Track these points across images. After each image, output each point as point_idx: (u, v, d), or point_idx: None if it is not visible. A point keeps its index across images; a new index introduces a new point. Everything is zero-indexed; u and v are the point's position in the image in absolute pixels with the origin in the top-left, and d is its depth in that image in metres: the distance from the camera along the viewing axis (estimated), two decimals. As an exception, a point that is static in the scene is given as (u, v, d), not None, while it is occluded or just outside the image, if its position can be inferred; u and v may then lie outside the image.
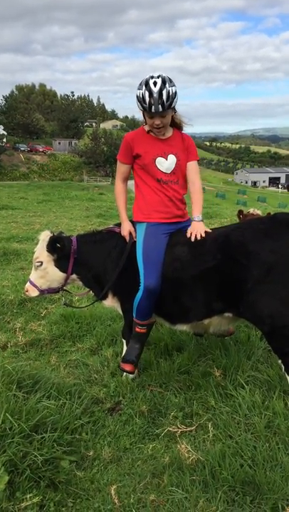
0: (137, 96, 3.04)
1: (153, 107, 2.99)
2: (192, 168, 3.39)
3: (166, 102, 3.00)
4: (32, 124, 79.48)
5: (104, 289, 3.49)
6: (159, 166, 3.23)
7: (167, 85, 2.99)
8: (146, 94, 2.97)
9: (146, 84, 2.98)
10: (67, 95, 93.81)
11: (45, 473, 2.35)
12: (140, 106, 3.05)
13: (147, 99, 2.98)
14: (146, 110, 3.05)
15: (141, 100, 3.01)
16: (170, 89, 2.99)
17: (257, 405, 2.86)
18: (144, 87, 2.99)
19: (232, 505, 2.21)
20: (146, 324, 3.36)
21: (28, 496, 2.22)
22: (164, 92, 2.97)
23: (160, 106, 2.99)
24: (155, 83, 2.97)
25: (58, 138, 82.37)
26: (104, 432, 2.87)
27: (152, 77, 2.99)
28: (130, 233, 3.38)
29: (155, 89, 2.96)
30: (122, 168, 3.42)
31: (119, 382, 3.36)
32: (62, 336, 4.50)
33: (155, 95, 2.96)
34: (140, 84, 3.03)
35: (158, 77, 2.99)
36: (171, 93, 3.00)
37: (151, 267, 3.17)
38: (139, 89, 3.03)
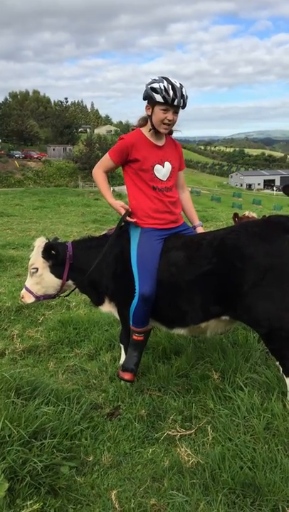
0: (155, 88, 3.04)
1: (176, 99, 3.06)
2: (182, 176, 3.60)
3: (186, 99, 3.12)
4: (26, 130, 79.51)
5: (99, 292, 3.55)
6: (156, 174, 3.26)
7: (184, 86, 3.12)
8: (169, 86, 3.04)
9: (166, 79, 3.07)
10: (60, 101, 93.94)
11: (45, 480, 2.34)
12: (160, 97, 3.05)
13: (170, 91, 3.03)
14: (166, 102, 3.06)
15: (161, 91, 3.03)
16: (186, 90, 3.12)
17: (256, 407, 2.86)
18: (164, 81, 3.05)
19: (232, 508, 2.21)
20: (143, 331, 3.35)
21: (28, 503, 2.21)
22: (184, 90, 3.09)
23: (181, 100, 3.09)
24: (175, 81, 3.08)
25: (52, 144, 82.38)
26: (103, 437, 2.87)
27: (165, 76, 3.10)
28: (123, 206, 3.29)
29: (177, 84, 3.07)
30: (108, 164, 3.35)
31: (118, 387, 3.37)
32: (60, 342, 4.50)
33: (177, 89, 3.05)
34: (155, 80, 3.08)
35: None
36: (187, 94, 3.13)
37: (145, 274, 3.17)
38: (156, 82, 3.06)
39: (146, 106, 3.20)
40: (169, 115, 3.14)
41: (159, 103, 3.09)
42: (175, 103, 3.07)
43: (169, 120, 3.15)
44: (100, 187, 3.42)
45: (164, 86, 3.03)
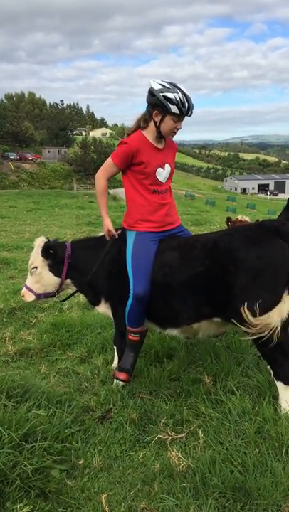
0: (171, 99, 2.99)
1: (190, 110, 3.09)
2: None
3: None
4: (21, 132, 79.31)
5: (97, 294, 3.57)
6: (158, 177, 3.27)
7: None
8: (184, 97, 3.03)
9: (179, 88, 3.04)
10: (56, 104, 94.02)
11: (36, 483, 2.33)
12: (176, 109, 3.02)
13: (186, 102, 3.04)
14: (182, 113, 3.07)
15: (178, 103, 3.01)
16: None
17: (247, 411, 2.87)
18: (178, 91, 3.02)
19: (223, 512, 2.21)
20: (138, 332, 3.36)
21: (18, 506, 2.20)
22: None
23: (193, 109, 3.12)
24: (185, 90, 3.06)
25: (47, 146, 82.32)
26: (94, 441, 2.86)
27: (173, 83, 3.08)
28: (110, 232, 3.35)
29: (188, 94, 3.06)
30: (112, 169, 3.29)
31: (110, 390, 3.36)
32: (52, 345, 4.49)
33: (189, 99, 3.07)
34: (167, 88, 3.02)
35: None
36: None
37: (140, 275, 3.19)
38: (170, 92, 3.00)
39: (155, 113, 3.12)
40: (179, 124, 3.17)
41: (173, 114, 3.07)
42: (189, 114, 3.11)
43: (178, 129, 3.20)
44: (99, 200, 3.41)
45: (179, 98, 3.00)
